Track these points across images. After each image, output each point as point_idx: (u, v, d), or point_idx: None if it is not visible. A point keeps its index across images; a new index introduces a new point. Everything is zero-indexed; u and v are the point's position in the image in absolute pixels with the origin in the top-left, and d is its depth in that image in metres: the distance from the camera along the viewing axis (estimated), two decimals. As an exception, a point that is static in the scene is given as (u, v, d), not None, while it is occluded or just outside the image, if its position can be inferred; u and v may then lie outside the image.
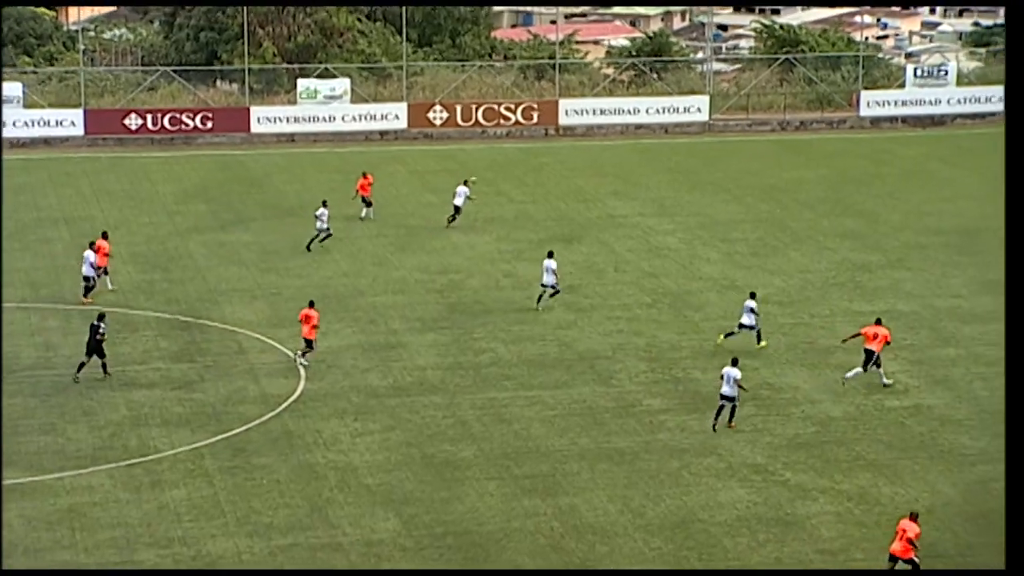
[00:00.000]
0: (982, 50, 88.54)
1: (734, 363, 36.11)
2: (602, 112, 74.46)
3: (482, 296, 46.70)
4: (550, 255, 45.46)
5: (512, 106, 73.53)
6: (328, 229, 51.27)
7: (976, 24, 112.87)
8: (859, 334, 39.00)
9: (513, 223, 55.79)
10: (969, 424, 36.15)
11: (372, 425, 36.45)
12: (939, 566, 29.24)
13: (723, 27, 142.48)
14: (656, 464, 34.09)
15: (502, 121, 73.29)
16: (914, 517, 28.53)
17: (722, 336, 41.96)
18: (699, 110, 74.70)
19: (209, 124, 71.23)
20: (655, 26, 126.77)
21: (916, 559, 28.12)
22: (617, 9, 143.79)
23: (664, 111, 74.73)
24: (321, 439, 35.50)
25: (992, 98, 75.17)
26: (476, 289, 47.33)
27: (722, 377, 36.13)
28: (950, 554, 29.67)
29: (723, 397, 36.00)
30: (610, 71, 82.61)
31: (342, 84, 72.46)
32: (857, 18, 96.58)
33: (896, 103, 75.18)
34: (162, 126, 70.34)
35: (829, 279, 48.39)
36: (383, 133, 72.66)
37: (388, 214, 56.85)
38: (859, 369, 38.51)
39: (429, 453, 34.78)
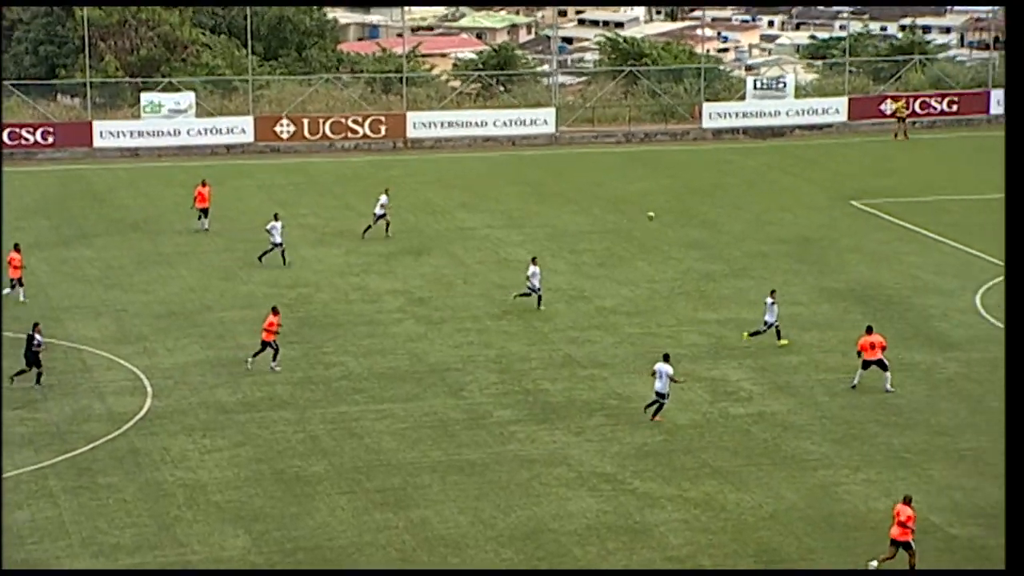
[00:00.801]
0: (819, 62, 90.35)
1: (665, 359, 37.13)
2: (450, 125, 74.67)
3: (332, 310, 46.60)
4: (534, 261, 46.65)
5: (360, 119, 73.42)
6: (281, 244, 50.93)
7: (813, 37, 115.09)
8: (859, 350, 39.24)
9: (361, 236, 55.72)
10: (811, 430, 36.92)
11: (221, 441, 36.19)
12: (780, 565, 29.84)
13: (568, 40, 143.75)
14: (507, 475, 34.32)
15: (350, 134, 73.13)
16: (908, 501, 29.30)
17: (747, 334, 43.15)
18: (546, 122, 75.27)
19: (50, 139, 70.06)
20: (501, 39, 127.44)
21: (912, 542, 28.99)
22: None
23: (511, 123, 75.17)
24: (169, 457, 35.17)
25: (829, 109, 76.83)
26: (326, 303, 47.22)
27: (654, 374, 37.05)
28: (793, 559, 30.29)
29: (657, 394, 36.98)
30: (457, 84, 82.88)
31: (187, 98, 71.76)
32: (698, 31, 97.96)
33: (737, 115, 76.44)
34: (1, 141, 69.06)
35: (675, 288, 49.09)
36: (229, 147, 72.10)
37: (236, 228, 56.46)
38: (862, 371, 39.27)
39: (279, 469, 34.64)
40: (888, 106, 76.52)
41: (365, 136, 73.07)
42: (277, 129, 72.59)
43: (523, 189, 64.62)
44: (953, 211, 59.16)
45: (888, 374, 39.04)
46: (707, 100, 76.99)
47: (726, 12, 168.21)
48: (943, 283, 49.03)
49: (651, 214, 41.65)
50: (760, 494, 33.20)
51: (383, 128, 73.68)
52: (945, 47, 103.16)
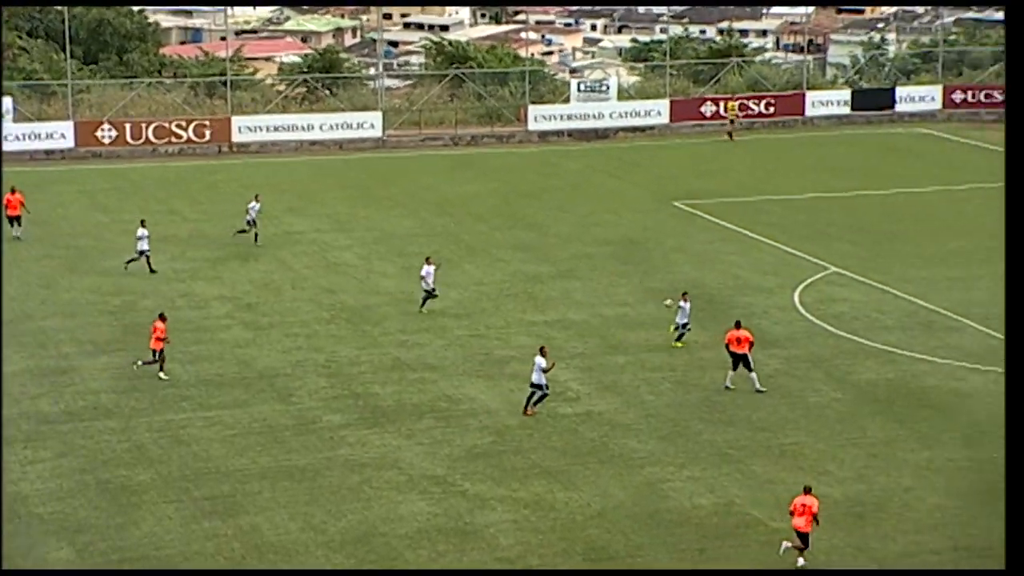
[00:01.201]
0: (641, 65, 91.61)
1: (541, 352, 37.72)
2: (276, 129, 74.23)
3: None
4: (428, 260, 46.73)
5: (184, 123, 72.62)
6: (147, 251, 50.47)
7: (635, 41, 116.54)
8: (726, 343, 39.80)
9: (187, 242, 55.16)
10: (637, 428, 37.46)
11: (43, 452, 35.56)
12: (612, 567, 30.27)
13: (394, 43, 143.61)
14: (337, 480, 34.27)
15: (173, 139, 72.30)
16: (808, 491, 29.91)
17: (675, 336, 43.39)
18: (372, 126, 75.21)
19: None
20: (326, 42, 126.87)
21: (808, 535, 29.60)
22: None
23: (338, 127, 74.98)
24: (-10, 469, 34.46)
25: (651, 112, 77.99)
26: (151, 310, 46.55)
27: (534, 364, 37.73)
28: (620, 556, 30.72)
29: (532, 385, 37.72)
30: (283, 88, 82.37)
31: (4, 103, 70.29)
32: (523, 35, 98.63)
33: (562, 117, 77.21)
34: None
35: (503, 290, 49.42)
36: (49, 152, 70.80)
37: (57, 234, 55.46)
38: (732, 372, 39.70)
39: (104, 479, 34.16)
40: (708, 107, 77.86)
41: (189, 140, 72.30)
42: (98, 134, 71.48)
43: (351, 193, 64.50)
44: (772, 211, 60.46)
45: (754, 374, 39.68)
46: (532, 103, 77.64)
47: (550, 15, 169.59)
48: (763, 281, 50.08)
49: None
50: (588, 493, 33.62)
51: (208, 132, 72.97)
52: (762, 50, 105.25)
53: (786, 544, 30.13)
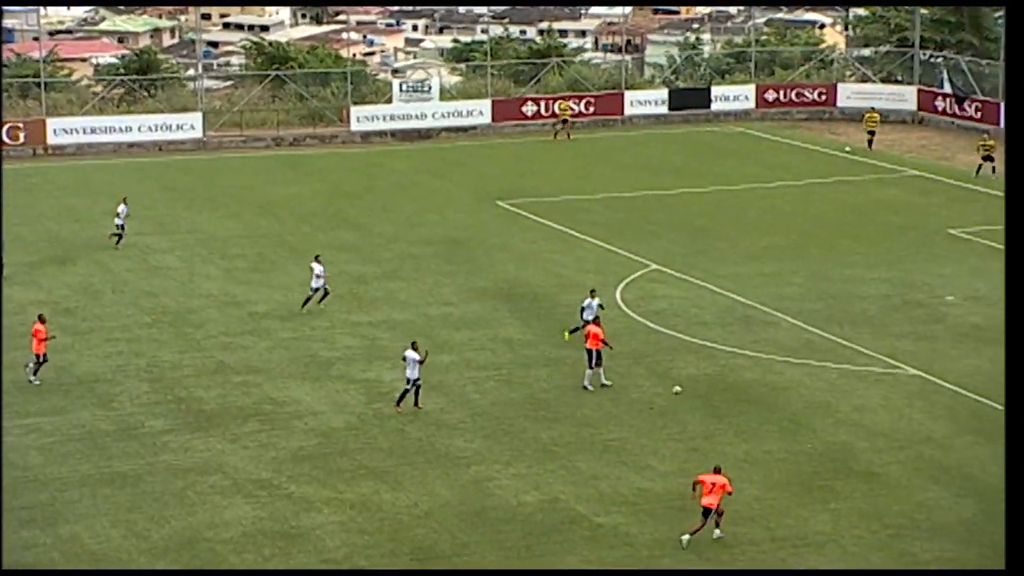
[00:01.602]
0: (462, 66, 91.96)
1: (413, 346, 37.98)
2: (93, 131, 73.04)
3: (-29, 324, 45.03)
4: (317, 259, 46.79)
5: (-4, 125, 71.04)
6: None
7: (456, 41, 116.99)
8: (586, 335, 40.12)
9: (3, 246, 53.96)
10: (463, 427, 37.69)
11: None
12: (439, 566, 30.43)
13: (214, 44, 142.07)
14: (160, 485, 33.92)
15: (-14, 141, 70.71)
16: (718, 470, 30.97)
17: (567, 333, 43.30)
18: (193, 127, 74.40)
19: None
20: (144, 43, 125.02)
21: (721, 507, 30.62)
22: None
23: (157, 128, 74.05)
24: None
25: (474, 112, 78.37)
26: (-36, 317, 45.59)
27: (404, 359, 37.89)
28: (447, 555, 30.91)
29: (408, 381, 37.85)
30: (99, 89, 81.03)
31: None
32: (344, 35, 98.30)
33: (385, 118, 77.18)
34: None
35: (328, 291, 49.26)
36: None
37: None
38: (589, 371, 39.83)
39: (-81, 491, 33.33)
40: (530, 107, 78.49)
41: (3, 143, 70.74)
42: (-93, 136, 69.60)
43: (172, 195, 63.75)
44: (594, 210, 61.18)
45: (601, 369, 40.05)
46: (355, 103, 77.49)
47: (371, 16, 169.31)
48: (586, 279, 50.62)
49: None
50: (415, 493, 33.75)
51: (22, 135, 71.55)
52: (581, 50, 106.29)
53: (686, 537, 30.74)
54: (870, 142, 71.94)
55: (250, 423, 37.67)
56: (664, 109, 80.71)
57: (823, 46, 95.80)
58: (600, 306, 42.89)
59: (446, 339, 44.41)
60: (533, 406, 38.97)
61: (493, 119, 78.35)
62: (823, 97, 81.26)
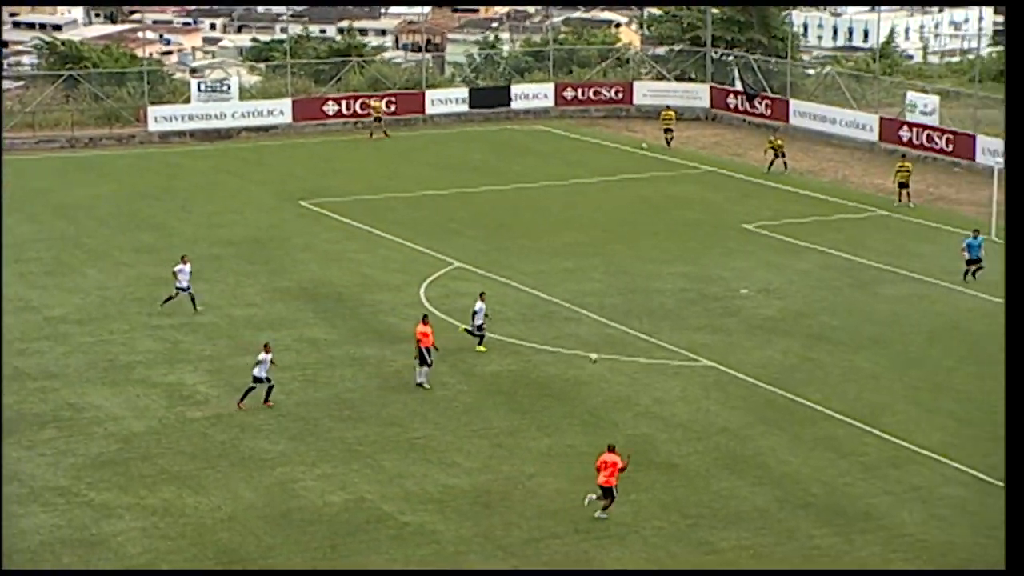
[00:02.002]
0: (262, 65, 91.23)
1: (265, 348, 38.30)
2: None
3: None
4: (183, 259, 46.33)
5: None
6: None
7: (255, 40, 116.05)
8: (417, 339, 39.98)
9: None
10: (268, 429, 37.50)
11: None
12: (243, 568, 30.26)
13: (4, 43, 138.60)
14: (-45, 496, 33.13)
15: None
16: (612, 449, 31.98)
17: (462, 327, 43.07)
18: (-17, 128, 72.57)
19: None
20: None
21: (614, 488, 31.63)
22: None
23: (-55, 129, 72.05)
24: None
25: (273, 111, 77.85)
26: None
27: (259, 363, 38.11)
28: (252, 558, 30.74)
29: (255, 379, 38.10)
30: None
31: None
32: (140, 34, 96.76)
33: (183, 118, 76.21)
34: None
35: (127, 294, 48.58)
36: None
37: None
38: (426, 368, 39.93)
39: None
40: (331, 107, 78.29)
41: None
42: None
43: (-39, 198, 62.13)
44: (397, 208, 61.28)
45: (426, 368, 40.09)
46: (152, 103, 76.37)
47: (167, 14, 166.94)
48: (390, 279, 50.76)
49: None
50: (219, 496, 33.50)
51: None
52: (381, 49, 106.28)
53: (590, 496, 31.83)
54: (668, 140, 73.25)
55: (47, 430, 36.98)
56: (465, 107, 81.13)
57: (619, 45, 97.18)
58: (486, 315, 42.93)
59: (250, 340, 44.08)
60: (338, 406, 38.94)
61: (294, 118, 77.92)
62: (620, 95, 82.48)
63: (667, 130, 73.49)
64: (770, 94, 77.93)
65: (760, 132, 75.79)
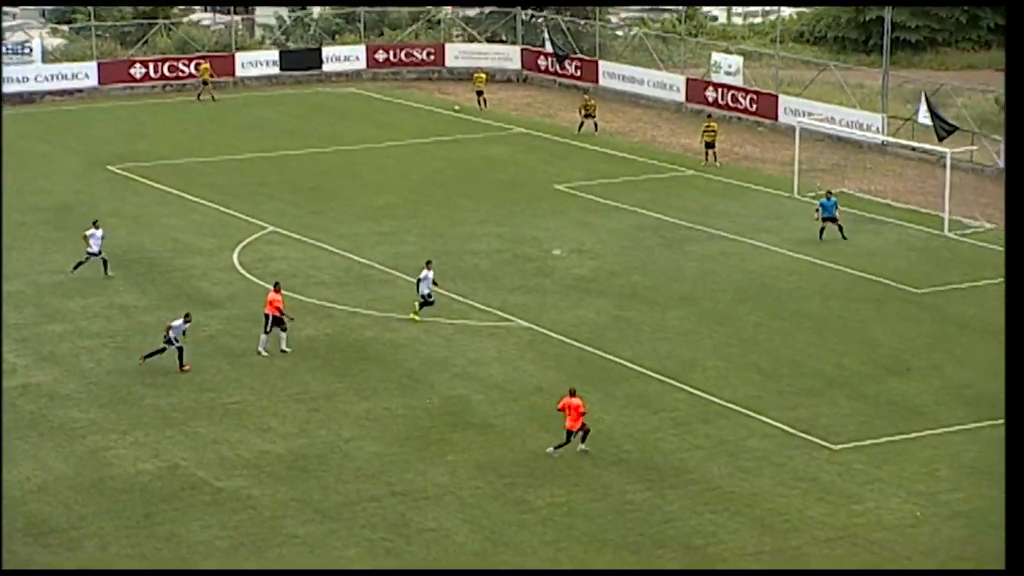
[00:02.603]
0: (65, 27, 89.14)
1: (186, 318, 38.71)
2: None
3: None
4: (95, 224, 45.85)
5: None
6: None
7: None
8: (271, 307, 39.74)
9: None
10: (78, 397, 36.96)
11: None
12: (55, 540, 29.82)
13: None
14: None
15: None
16: (572, 392, 33.36)
17: (416, 308, 42.14)
18: None
19: None
20: None
21: (586, 424, 33.17)
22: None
23: None
24: None
25: (79, 74, 76.31)
26: None
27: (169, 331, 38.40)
28: (63, 527, 30.27)
29: (166, 341, 38.37)
30: None
31: None
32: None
33: (-18, 81, 74.31)
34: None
35: (-73, 264, 47.37)
36: None
37: None
38: (264, 336, 39.88)
39: None
40: (139, 70, 76.95)
41: None
42: None
43: None
44: (208, 173, 60.60)
45: (284, 334, 39.90)
46: (-50, 66, 74.27)
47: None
48: (202, 243, 50.23)
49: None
50: (28, 467, 32.94)
51: None
52: (189, 11, 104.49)
53: (551, 449, 33.30)
54: (480, 102, 73.47)
55: None
56: (276, 70, 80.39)
57: (429, 6, 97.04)
58: (434, 282, 42.46)
59: (58, 307, 43.36)
60: (151, 373, 38.49)
61: (100, 82, 76.45)
62: (432, 57, 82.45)
63: (479, 92, 73.72)
64: (580, 56, 78.61)
65: (571, 94, 76.45)
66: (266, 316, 39.97)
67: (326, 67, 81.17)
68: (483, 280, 46.56)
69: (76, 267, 46.07)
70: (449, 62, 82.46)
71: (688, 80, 73.26)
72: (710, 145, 62.23)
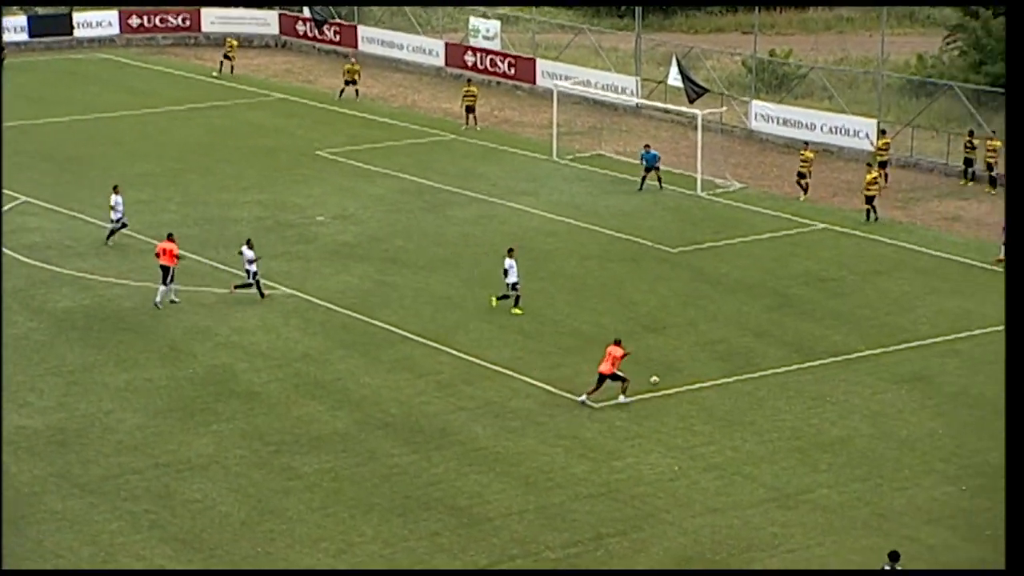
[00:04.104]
0: None
1: (248, 243, 40.88)
2: None
3: None
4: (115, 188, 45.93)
5: None
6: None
7: None
8: (162, 253, 40.50)
9: None
10: None
11: None
12: None
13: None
14: None
15: None
16: (618, 343, 34.58)
17: (512, 303, 40.64)
18: None
19: None
20: None
21: (620, 373, 34.44)
22: None
23: None
24: None
25: None
26: None
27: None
28: None
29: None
30: None
31: None
32: None
33: None
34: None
35: None
36: None
37: None
38: (163, 288, 40.57)
39: None
40: None
41: None
42: None
43: None
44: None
45: (171, 287, 40.88)
46: None
47: None
48: (-50, 216, 48.83)
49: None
50: None
51: None
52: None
53: (583, 397, 34.66)
54: (231, 67, 72.57)
55: None
56: (24, 36, 78.15)
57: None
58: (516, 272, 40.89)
59: None
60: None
61: None
62: (188, 23, 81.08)
63: (227, 57, 72.76)
64: (338, 21, 78.25)
65: (331, 59, 76.12)
66: (163, 268, 40.38)
67: (77, 33, 79.18)
68: (245, 248, 46.20)
69: (110, 236, 46.07)
70: (205, 27, 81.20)
71: (447, 45, 73.57)
72: (470, 109, 62.67)
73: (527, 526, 29.27)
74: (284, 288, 42.60)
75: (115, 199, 46.05)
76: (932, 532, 29.01)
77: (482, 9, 75.61)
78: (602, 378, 34.54)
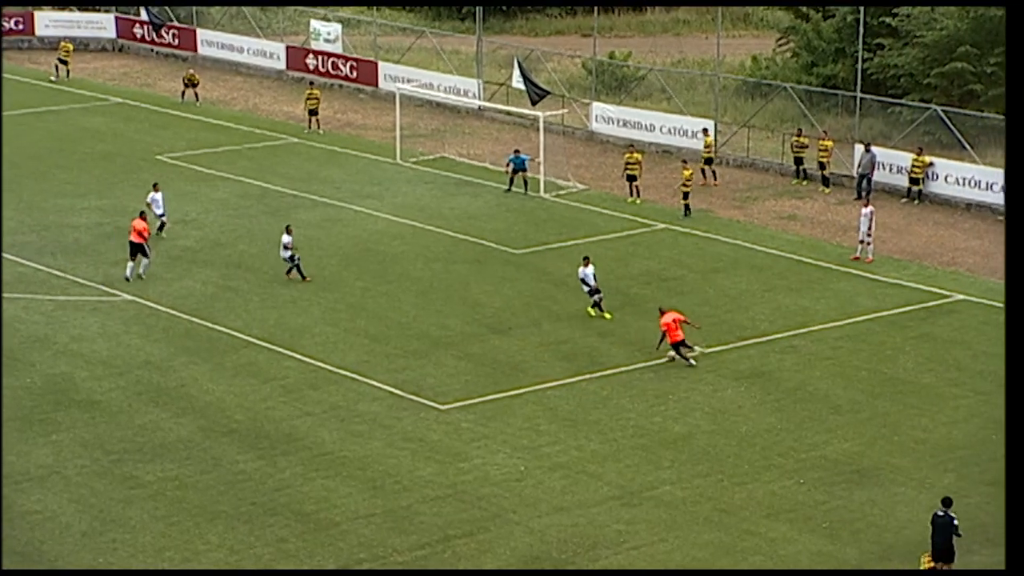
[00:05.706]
0: None
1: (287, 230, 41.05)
2: None
3: None
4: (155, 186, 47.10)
5: None
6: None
7: None
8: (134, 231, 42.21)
9: None
10: None
11: None
12: None
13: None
14: None
15: None
16: (663, 312, 37.45)
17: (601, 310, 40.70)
18: None
19: None
20: None
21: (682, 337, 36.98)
22: None
23: None
24: None
25: None
26: None
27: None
28: None
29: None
30: None
31: None
32: None
33: None
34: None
35: None
36: None
37: None
38: (131, 263, 42.29)
39: None
40: None
41: None
42: None
43: None
44: None
45: (147, 260, 42.86)
46: None
47: None
48: None
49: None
50: None
51: None
52: None
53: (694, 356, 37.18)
54: (67, 72, 71.42)
55: None
56: None
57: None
58: (595, 277, 40.74)
59: None
60: None
61: None
62: (21, 26, 79.55)
63: (62, 62, 71.61)
64: (176, 24, 77.37)
65: (169, 63, 75.22)
66: (132, 244, 42.37)
67: None
68: (84, 254, 45.54)
69: (160, 230, 46.83)
70: (40, 31, 79.64)
71: (288, 48, 73.13)
72: (313, 112, 62.41)
73: (374, 529, 29.28)
74: (125, 295, 42.05)
75: (152, 196, 47.44)
76: (772, 526, 29.59)
77: (323, 12, 75.30)
78: (676, 347, 37.15)
